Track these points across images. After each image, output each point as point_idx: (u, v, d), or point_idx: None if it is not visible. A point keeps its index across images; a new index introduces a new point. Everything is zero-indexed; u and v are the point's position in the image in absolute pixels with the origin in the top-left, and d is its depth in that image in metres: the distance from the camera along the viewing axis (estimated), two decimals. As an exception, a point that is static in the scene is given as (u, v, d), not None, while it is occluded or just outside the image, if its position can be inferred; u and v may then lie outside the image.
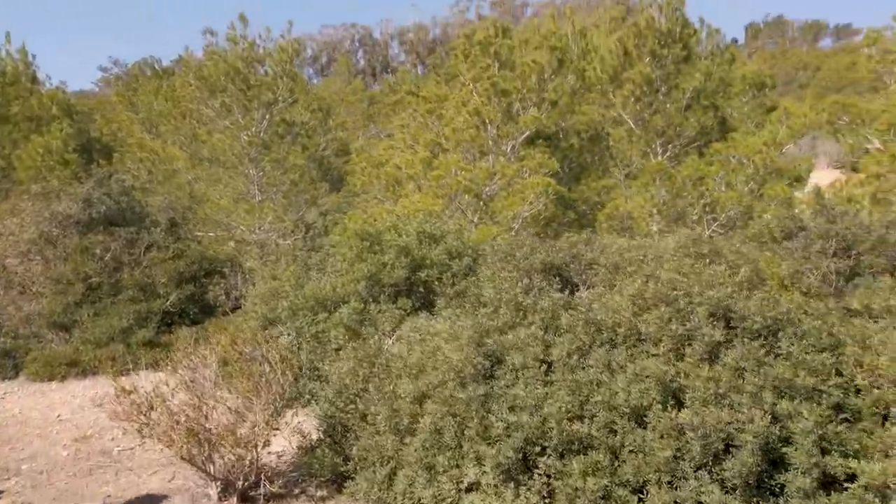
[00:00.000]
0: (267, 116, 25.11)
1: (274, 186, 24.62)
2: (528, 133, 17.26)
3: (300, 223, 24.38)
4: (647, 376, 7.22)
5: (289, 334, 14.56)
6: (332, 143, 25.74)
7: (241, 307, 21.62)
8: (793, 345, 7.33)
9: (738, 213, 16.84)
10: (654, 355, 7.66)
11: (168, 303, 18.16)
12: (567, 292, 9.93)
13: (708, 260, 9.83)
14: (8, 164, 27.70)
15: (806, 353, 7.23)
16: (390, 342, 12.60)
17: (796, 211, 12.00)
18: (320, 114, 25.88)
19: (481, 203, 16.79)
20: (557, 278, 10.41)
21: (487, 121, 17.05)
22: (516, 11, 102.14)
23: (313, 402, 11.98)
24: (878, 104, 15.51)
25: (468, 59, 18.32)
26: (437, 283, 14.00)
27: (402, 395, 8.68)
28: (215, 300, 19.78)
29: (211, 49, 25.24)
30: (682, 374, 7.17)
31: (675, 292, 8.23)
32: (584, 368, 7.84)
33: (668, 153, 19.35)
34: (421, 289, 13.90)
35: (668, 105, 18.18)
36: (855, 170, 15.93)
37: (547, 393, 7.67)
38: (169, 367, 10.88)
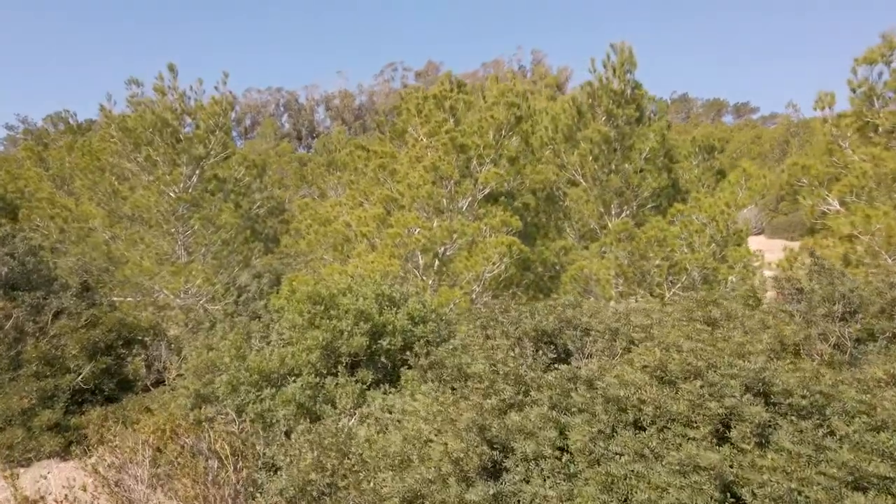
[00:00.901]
0: (197, 172, 23.39)
1: (203, 246, 22.67)
2: (487, 190, 16.39)
3: (231, 286, 22.43)
4: (696, 467, 6.07)
5: (226, 414, 12.65)
6: (267, 201, 24.18)
7: (164, 381, 19.29)
8: (848, 424, 6.40)
9: (701, 276, 16.38)
10: (692, 439, 6.54)
11: (79, 378, 15.78)
12: (559, 363, 8.79)
13: (713, 326, 8.96)
14: None
15: (863, 433, 6.30)
16: (351, 422, 11.00)
17: (790, 271, 11.40)
18: (255, 170, 24.33)
19: (438, 263, 15.62)
20: (551, 346, 9.27)
21: (445, 177, 16.09)
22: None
23: (259, 497, 10.16)
24: (836, 167, 15.56)
25: (421, 114, 17.46)
26: (401, 352, 12.59)
27: (388, 496, 7.15)
28: (135, 374, 17.47)
29: (136, 100, 23.49)
30: (737, 464, 6.06)
31: (700, 363, 7.23)
32: (611, 457, 6.62)
33: (623, 213, 18.92)
34: (383, 359, 12.43)
35: (626, 164, 17.82)
36: (814, 231, 15.81)
37: (573, 490, 6.38)
38: (84, 460, 8.90)
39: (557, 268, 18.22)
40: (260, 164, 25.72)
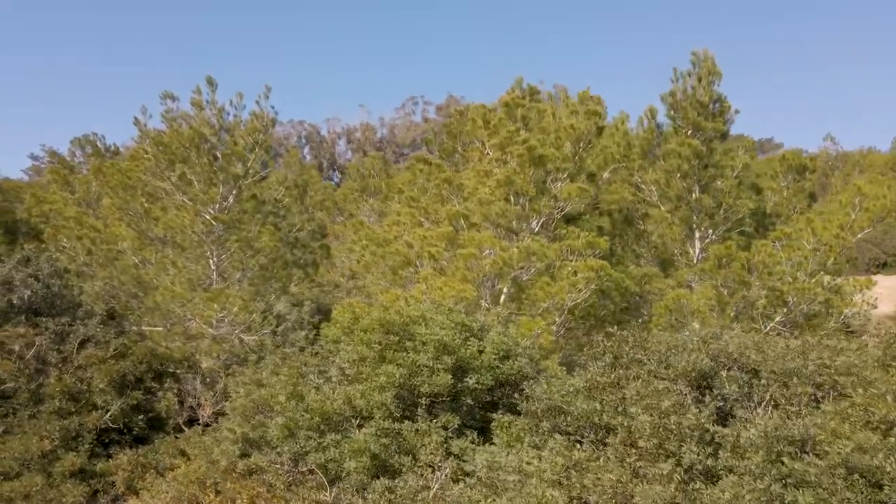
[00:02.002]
0: (234, 192, 21.79)
1: (240, 271, 20.96)
2: (568, 208, 14.56)
3: (269, 315, 20.66)
4: None
5: (281, 464, 10.71)
6: (307, 224, 22.53)
7: (198, 420, 17.37)
8: None
9: (808, 308, 14.36)
10: None
11: (108, 416, 13.94)
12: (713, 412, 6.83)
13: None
14: None
15: None
16: (439, 479, 9.04)
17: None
18: (296, 191, 22.72)
19: (514, 290, 13.75)
20: (706, 392, 7.31)
21: (520, 192, 14.30)
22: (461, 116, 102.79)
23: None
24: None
25: (489, 125, 15.76)
26: (488, 392, 10.66)
27: None
28: (168, 410, 15.59)
29: (171, 115, 22.07)
30: None
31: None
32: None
33: (708, 238, 16.98)
34: (468, 400, 10.49)
35: (718, 182, 15.94)
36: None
37: None
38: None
39: (639, 297, 16.29)
40: (301, 185, 24.14)
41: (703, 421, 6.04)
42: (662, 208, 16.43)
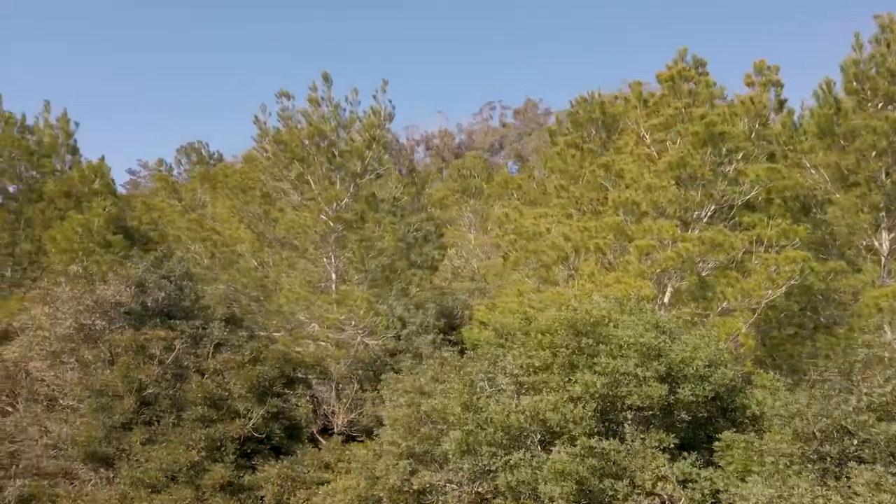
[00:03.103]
0: (352, 190, 20.92)
1: (361, 272, 20.07)
2: (752, 193, 12.74)
3: (393, 318, 19.64)
4: None
5: (459, 483, 9.44)
6: (425, 223, 21.46)
7: (332, 429, 16.39)
8: None
9: None
10: None
11: (250, 424, 13.11)
12: None
13: None
14: (38, 249, 23.45)
15: None
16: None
17: None
18: (414, 188, 21.69)
19: (694, 286, 12.03)
20: None
21: (694, 176, 12.59)
22: (539, 119, 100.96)
23: None
24: None
25: (648, 104, 14.11)
26: (703, 405, 9.04)
27: None
28: (306, 419, 14.67)
29: (287, 114, 21.45)
30: None
31: None
32: None
33: (901, 226, 14.69)
34: (683, 414, 8.90)
35: (921, 160, 13.67)
36: None
37: None
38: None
39: (819, 296, 14.24)
40: (420, 181, 23.13)
41: None
42: (842, 194, 14.30)
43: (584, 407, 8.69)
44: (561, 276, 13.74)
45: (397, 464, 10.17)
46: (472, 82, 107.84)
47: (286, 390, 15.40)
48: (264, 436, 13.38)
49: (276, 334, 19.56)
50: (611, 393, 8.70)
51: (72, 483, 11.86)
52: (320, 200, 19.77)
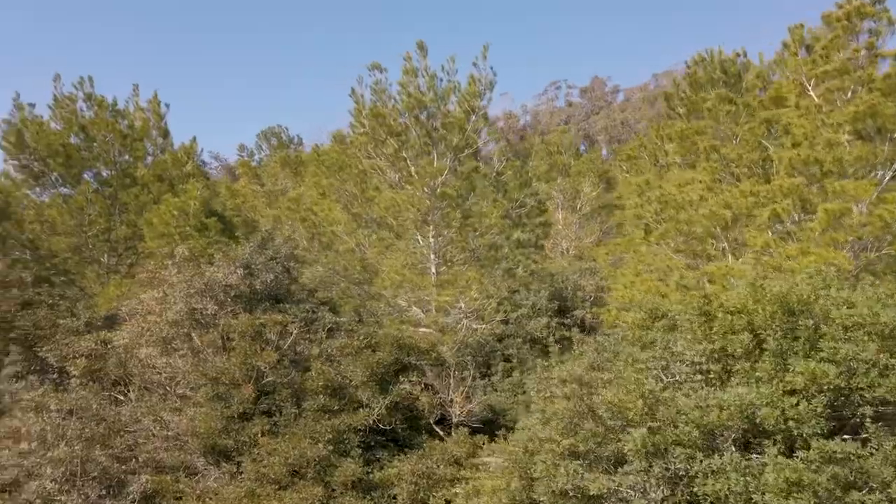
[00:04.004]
0: (453, 164, 19.62)
1: (465, 252, 18.81)
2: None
3: (505, 301, 18.31)
4: None
5: (644, 490, 8.03)
6: (529, 197, 20.02)
7: (450, 420, 15.20)
8: None
9: None
10: None
11: (375, 414, 12.03)
12: None
13: None
14: (133, 233, 23.20)
15: None
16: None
17: None
18: (518, 162, 20.24)
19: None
20: None
21: (885, 127, 10.66)
22: (608, 97, 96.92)
23: None
24: None
25: (812, 51, 12.15)
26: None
27: None
28: (429, 408, 13.53)
29: (380, 87, 20.29)
30: None
31: None
32: None
33: None
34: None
35: None
36: None
37: None
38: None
39: None
40: (523, 155, 21.66)
41: None
42: None
43: (809, 402, 7.11)
44: (712, 249, 12.05)
45: (558, 464, 8.83)
46: (537, 62, 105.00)
47: (400, 376, 14.32)
48: (388, 427, 12.26)
49: (380, 319, 18.59)
50: (846, 385, 7.07)
51: (192, 476, 11.03)
52: (423, 176, 18.58)
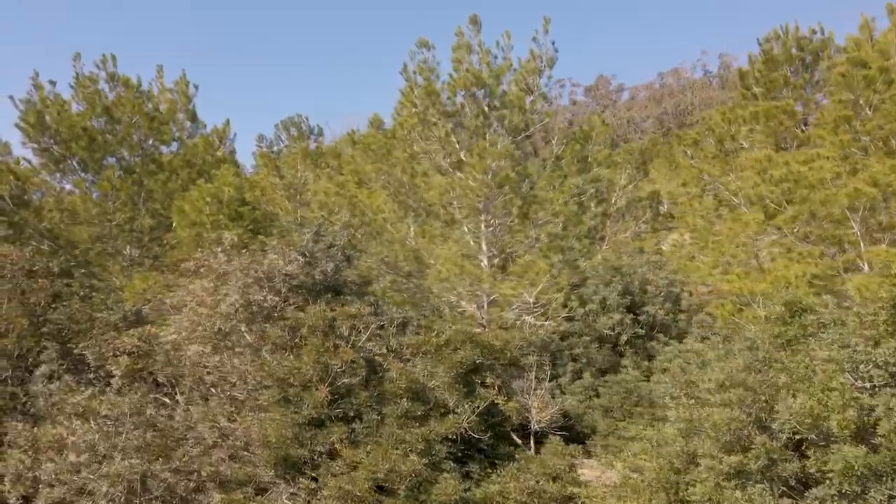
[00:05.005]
0: (511, 147, 18.09)
1: (531, 240, 17.31)
2: None
3: (571, 296, 16.84)
4: None
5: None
6: (590, 183, 18.61)
7: (529, 428, 13.57)
8: None
9: None
10: None
11: (464, 421, 10.54)
12: None
13: None
14: (158, 224, 21.69)
15: None
16: None
17: None
18: (577, 145, 18.77)
19: None
20: None
21: None
22: (612, 96, 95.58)
23: None
24: None
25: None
26: None
27: None
28: (518, 414, 12.04)
29: (427, 66, 18.78)
30: None
31: None
32: None
33: None
34: None
35: None
36: None
37: None
38: None
39: None
40: (581, 138, 20.18)
41: None
42: None
43: None
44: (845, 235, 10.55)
45: (723, 486, 7.32)
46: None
47: (474, 378, 12.82)
48: (477, 436, 10.76)
49: (441, 314, 17.10)
50: None
51: (261, 494, 9.52)
52: (483, 157, 17.06)
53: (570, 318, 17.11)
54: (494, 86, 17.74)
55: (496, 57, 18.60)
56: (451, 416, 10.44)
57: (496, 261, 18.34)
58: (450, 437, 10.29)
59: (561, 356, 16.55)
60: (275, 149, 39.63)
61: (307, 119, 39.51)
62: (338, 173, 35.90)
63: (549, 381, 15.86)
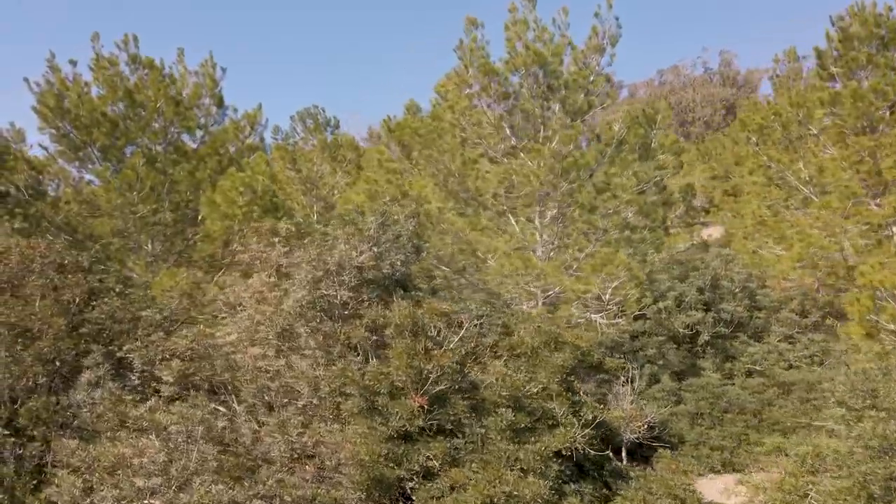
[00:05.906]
0: (573, 130, 16.67)
1: (599, 231, 15.94)
2: None
3: (646, 292, 15.46)
4: None
5: None
6: (654, 172, 17.25)
7: (629, 442, 12.04)
8: None
9: None
10: None
11: (576, 434, 9.17)
12: None
13: None
14: (182, 216, 20.21)
15: None
16: None
17: None
18: (641, 129, 17.43)
19: None
20: None
21: None
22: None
23: None
24: None
25: None
26: None
27: None
28: (625, 425, 10.67)
29: (478, 45, 17.38)
30: None
31: None
32: None
33: None
34: None
35: None
36: None
37: None
38: None
39: None
40: (648, 116, 18.85)
41: None
42: None
43: None
44: None
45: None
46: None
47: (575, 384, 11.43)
48: (588, 452, 9.40)
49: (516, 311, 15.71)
50: None
51: (351, 522, 8.12)
52: (551, 140, 15.71)
53: (639, 317, 15.78)
54: (556, 64, 16.39)
55: (554, 35, 17.30)
56: (560, 429, 9.05)
57: (552, 254, 17.00)
58: (563, 453, 8.90)
59: (634, 357, 15.20)
60: (290, 141, 38.13)
61: (323, 111, 38.01)
62: (355, 167, 34.37)
63: (624, 385, 14.56)
